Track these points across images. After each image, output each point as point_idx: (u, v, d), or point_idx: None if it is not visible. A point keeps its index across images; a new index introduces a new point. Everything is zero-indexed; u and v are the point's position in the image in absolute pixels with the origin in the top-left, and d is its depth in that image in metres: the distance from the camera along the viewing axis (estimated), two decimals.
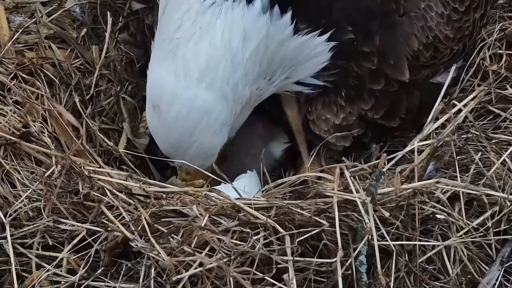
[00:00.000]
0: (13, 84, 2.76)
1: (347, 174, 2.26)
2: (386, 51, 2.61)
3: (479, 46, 2.94)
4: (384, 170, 2.35)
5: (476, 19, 2.80)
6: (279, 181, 2.40)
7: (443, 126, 2.60)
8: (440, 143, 2.44)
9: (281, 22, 2.44)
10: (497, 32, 2.94)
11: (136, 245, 2.22)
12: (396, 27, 2.61)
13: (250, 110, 2.58)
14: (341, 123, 2.69)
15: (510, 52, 2.90)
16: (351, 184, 2.24)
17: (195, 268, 2.13)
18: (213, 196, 2.35)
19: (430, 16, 2.65)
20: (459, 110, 2.61)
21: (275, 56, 2.47)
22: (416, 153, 2.39)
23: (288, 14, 2.44)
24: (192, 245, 2.16)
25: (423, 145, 2.45)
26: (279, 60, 2.49)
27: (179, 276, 2.13)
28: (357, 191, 2.24)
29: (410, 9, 2.63)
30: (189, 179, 2.55)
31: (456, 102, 2.62)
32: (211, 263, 2.12)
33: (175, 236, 2.23)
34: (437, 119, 2.59)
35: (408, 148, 2.47)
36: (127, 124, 2.93)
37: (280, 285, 2.16)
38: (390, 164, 2.40)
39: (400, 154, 2.43)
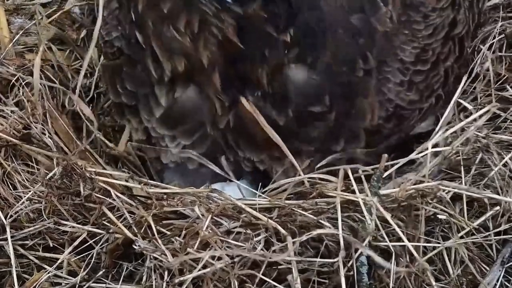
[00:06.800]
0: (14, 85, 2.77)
1: (350, 175, 2.26)
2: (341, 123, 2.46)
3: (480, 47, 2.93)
4: (383, 171, 2.35)
5: (449, 65, 2.66)
6: (281, 182, 2.39)
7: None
8: (452, 152, 2.43)
9: None
10: (497, 32, 2.92)
11: (139, 245, 2.22)
12: (352, 99, 2.46)
13: None
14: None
15: (510, 54, 2.89)
16: (354, 185, 2.24)
17: (199, 270, 2.13)
18: (214, 197, 2.36)
19: (387, 88, 2.50)
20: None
21: None
22: (428, 160, 2.37)
23: None
24: (195, 247, 2.17)
25: (432, 152, 2.42)
26: None
27: (181, 278, 2.13)
28: (360, 192, 2.25)
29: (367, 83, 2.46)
30: None
31: (470, 108, 2.57)
32: (214, 265, 2.12)
33: (178, 238, 2.23)
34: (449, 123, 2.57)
35: (413, 155, 2.44)
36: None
37: (282, 286, 2.18)
38: (395, 168, 2.38)
39: (404, 160, 2.42)
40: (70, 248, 2.35)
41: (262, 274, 2.17)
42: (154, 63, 2.47)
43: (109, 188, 2.38)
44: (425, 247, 2.28)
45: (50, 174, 2.46)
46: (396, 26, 2.51)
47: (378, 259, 2.12)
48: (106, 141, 2.82)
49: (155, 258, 2.21)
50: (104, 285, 2.31)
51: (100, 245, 2.33)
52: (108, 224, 2.33)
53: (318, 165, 2.40)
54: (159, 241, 2.22)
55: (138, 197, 2.40)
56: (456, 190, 2.34)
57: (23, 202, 2.43)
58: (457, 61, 2.69)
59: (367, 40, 2.45)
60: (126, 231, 2.28)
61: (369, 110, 2.48)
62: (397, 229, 2.20)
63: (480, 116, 2.49)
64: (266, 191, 2.39)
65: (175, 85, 2.49)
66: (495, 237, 2.37)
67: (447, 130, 2.50)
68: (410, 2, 2.56)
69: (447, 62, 2.64)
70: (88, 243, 2.35)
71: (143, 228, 2.29)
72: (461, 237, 2.32)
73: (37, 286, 2.31)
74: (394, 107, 2.51)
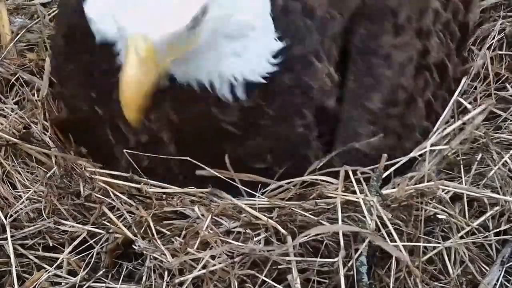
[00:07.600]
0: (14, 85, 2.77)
1: (351, 175, 2.26)
2: None
3: (479, 46, 2.92)
4: (382, 171, 2.35)
5: (430, 95, 2.54)
6: (282, 182, 2.39)
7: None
8: (451, 151, 2.43)
9: None
10: (497, 32, 2.91)
11: (139, 245, 2.22)
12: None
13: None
14: None
15: (510, 53, 2.88)
16: (355, 185, 2.24)
17: (199, 270, 2.13)
18: (214, 197, 2.36)
19: (357, 142, 2.38)
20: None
21: None
22: (427, 159, 2.37)
23: None
24: (195, 247, 2.17)
25: (431, 150, 2.42)
26: None
27: (181, 278, 2.14)
28: (361, 192, 2.25)
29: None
30: (145, 54, 1.95)
31: (469, 107, 2.56)
32: (215, 265, 2.12)
33: (178, 238, 2.23)
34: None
35: (412, 154, 2.44)
36: None
37: (281, 286, 2.18)
38: (395, 167, 2.38)
39: (404, 159, 2.42)
40: (70, 248, 2.36)
41: (262, 274, 2.17)
42: (113, 132, 2.42)
43: (109, 188, 2.38)
44: (425, 247, 2.28)
45: (50, 173, 2.46)
46: (357, 79, 2.43)
47: (387, 246, 2.12)
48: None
49: (155, 258, 2.21)
50: (104, 284, 2.31)
51: (100, 245, 2.34)
52: (108, 224, 2.34)
53: (318, 166, 2.39)
54: (159, 241, 2.23)
55: (138, 197, 2.40)
56: (456, 190, 2.35)
57: (23, 202, 2.44)
58: (439, 87, 2.58)
59: (302, 97, 2.37)
60: (126, 231, 2.28)
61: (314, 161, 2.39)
62: (392, 231, 2.20)
63: (478, 114, 2.49)
64: (266, 191, 2.38)
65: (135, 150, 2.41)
66: (495, 237, 2.38)
67: (445, 129, 2.50)
68: (365, 49, 2.45)
69: (427, 93, 2.53)
70: (88, 243, 2.35)
71: (143, 228, 2.29)
72: (461, 237, 2.33)
73: (37, 285, 2.32)
74: (370, 159, 2.37)
